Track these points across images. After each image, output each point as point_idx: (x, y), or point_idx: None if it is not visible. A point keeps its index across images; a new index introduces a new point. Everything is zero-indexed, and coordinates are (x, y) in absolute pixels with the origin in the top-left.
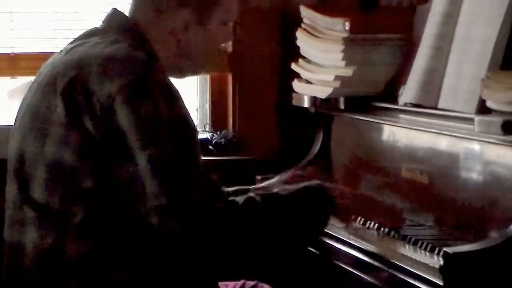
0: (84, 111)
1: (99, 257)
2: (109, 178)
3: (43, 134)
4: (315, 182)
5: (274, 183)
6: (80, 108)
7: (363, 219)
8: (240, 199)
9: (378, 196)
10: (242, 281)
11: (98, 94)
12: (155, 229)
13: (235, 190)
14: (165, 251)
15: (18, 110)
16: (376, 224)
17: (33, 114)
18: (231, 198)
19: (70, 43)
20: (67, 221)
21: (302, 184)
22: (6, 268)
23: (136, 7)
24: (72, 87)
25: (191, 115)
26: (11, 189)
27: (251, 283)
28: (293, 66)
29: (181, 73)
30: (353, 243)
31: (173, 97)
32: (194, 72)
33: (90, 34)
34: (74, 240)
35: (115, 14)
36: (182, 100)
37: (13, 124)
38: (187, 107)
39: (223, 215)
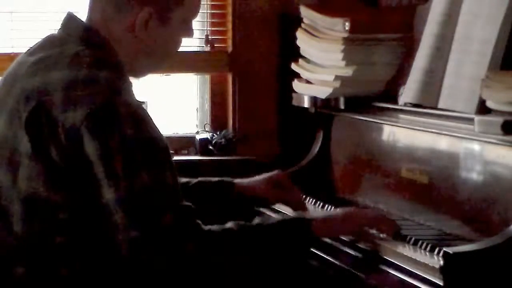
0: (49, 141)
1: (91, 279)
2: (83, 209)
3: (14, 166)
4: (300, 214)
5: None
6: (45, 138)
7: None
8: (217, 228)
9: (378, 197)
10: None
11: (62, 123)
12: (126, 260)
13: (199, 182)
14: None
15: None
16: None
17: (1, 142)
18: (208, 227)
19: (30, 53)
20: (52, 252)
21: (285, 217)
22: None
23: (93, 7)
24: (36, 117)
25: (160, 134)
26: None
27: None
28: (293, 66)
29: (138, 73)
30: (352, 242)
31: (140, 120)
32: (152, 71)
33: (49, 44)
34: (65, 265)
35: (71, 19)
36: (150, 120)
37: None
38: (156, 126)
39: (196, 249)
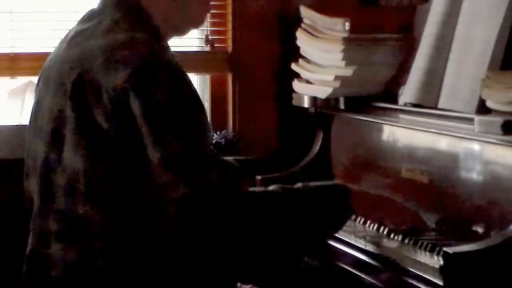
0: (95, 107)
1: (125, 267)
2: (126, 175)
3: (60, 138)
4: (339, 182)
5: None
6: (91, 104)
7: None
8: (259, 190)
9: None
10: (237, 284)
11: (105, 86)
12: (172, 223)
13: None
14: (181, 248)
15: (32, 109)
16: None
17: (48, 116)
18: (251, 188)
19: (71, 30)
20: (90, 230)
21: (327, 183)
22: (30, 276)
23: None
24: (80, 85)
25: (197, 92)
26: (35, 194)
27: (246, 287)
28: (293, 66)
29: (182, 31)
30: (353, 243)
31: (181, 78)
32: (194, 26)
33: (88, 17)
34: (99, 252)
35: None
36: (188, 77)
37: (29, 123)
38: (193, 85)
39: (241, 207)
